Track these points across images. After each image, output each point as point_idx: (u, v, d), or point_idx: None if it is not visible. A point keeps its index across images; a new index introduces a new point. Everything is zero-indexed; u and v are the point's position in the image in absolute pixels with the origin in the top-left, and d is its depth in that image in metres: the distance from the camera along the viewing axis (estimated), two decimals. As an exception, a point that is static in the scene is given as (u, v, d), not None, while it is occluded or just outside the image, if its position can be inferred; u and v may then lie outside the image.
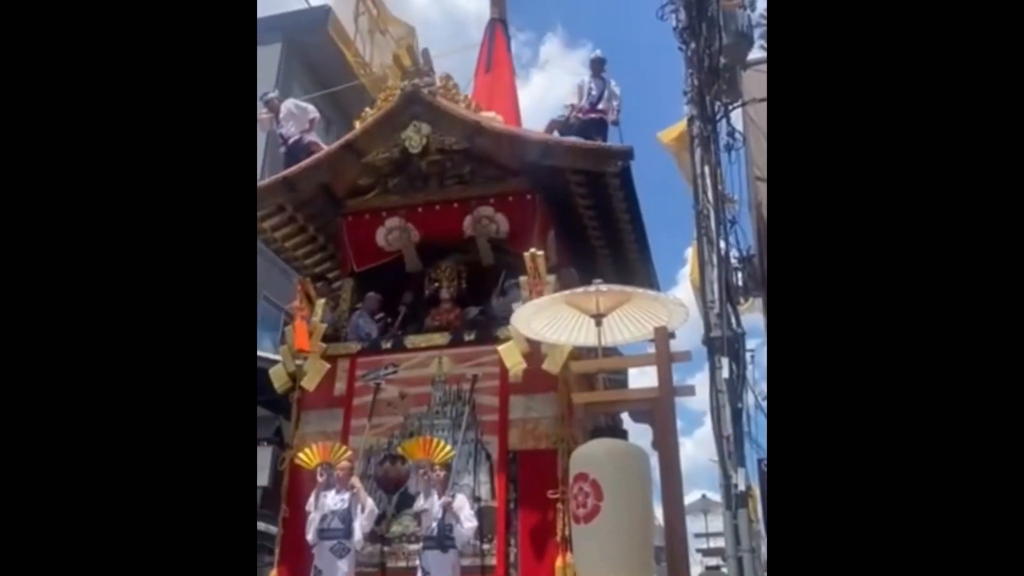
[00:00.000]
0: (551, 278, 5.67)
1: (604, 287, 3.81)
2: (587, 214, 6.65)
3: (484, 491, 5.58)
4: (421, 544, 5.11)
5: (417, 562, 5.07)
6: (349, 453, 5.61)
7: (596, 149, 5.70)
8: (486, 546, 5.38)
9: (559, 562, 5.07)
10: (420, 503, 5.21)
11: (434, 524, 5.03)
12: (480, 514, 5.48)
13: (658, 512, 4.12)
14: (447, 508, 5.02)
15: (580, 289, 3.89)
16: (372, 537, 5.59)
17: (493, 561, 5.31)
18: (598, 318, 3.80)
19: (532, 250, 5.56)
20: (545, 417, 5.65)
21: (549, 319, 4.09)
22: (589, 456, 3.39)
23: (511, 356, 5.50)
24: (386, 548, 5.59)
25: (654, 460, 3.35)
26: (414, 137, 6.31)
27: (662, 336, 3.40)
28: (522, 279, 5.69)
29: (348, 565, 5.08)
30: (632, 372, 6.88)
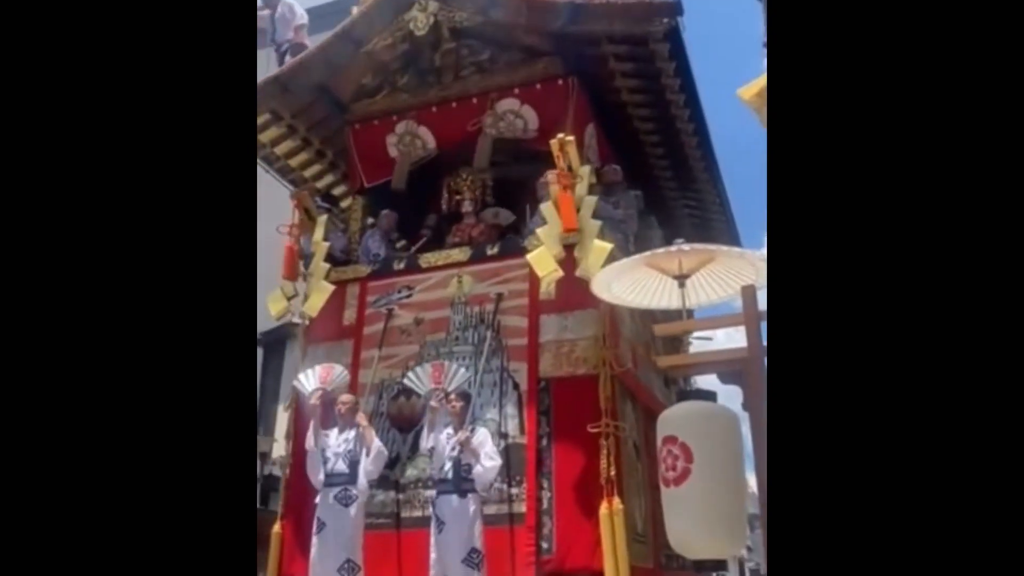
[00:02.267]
0: (585, 170, 4.66)
1: (687, 246, 3.74)
2: (632, 100, 5.57)
3: (511, 426, 4.68)
4: (435, 489, 4.26)
5: (431, 510, 4.23)
6: (346, 373, 4.80)
7: (635, 5, 4.63)
8: (514, 490, 4.50)
9: (604, 508, 4.15)
10: (425, 441, 4.35)
11: (448, 464, 4.16)
12: (507, 453, 4.60)
13: (751, 479, 3.37)
14: (464, 445, 4.15)
15: (661, 250, 3.71)
16: (384, 483, 4.79)
17: (522, 508, 4.44)
18: (681, 279, 3.57)
19: (560, 135, 4.54)
20: (582, 338, 4.70)
21: (630, 283, 3.82)
22: (677, 418, 3.22)
23: (543, 264, 4.49)
24: (400, 496, 4.78)
25: (745, 426, 3.15)
26: (419, 17, 5.33)
27: (750, 295, 3.13)
28: (549, 175, 4.69)
29: (354, 516, 4.27)
30: (718, 333, 6.01)
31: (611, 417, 4.41)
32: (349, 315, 5.57)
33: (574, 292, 4.76)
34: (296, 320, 5.94)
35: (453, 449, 4.17)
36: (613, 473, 4.26)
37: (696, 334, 5.54)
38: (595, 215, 4.50)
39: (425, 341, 5.19)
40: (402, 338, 5.27)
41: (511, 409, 4.72)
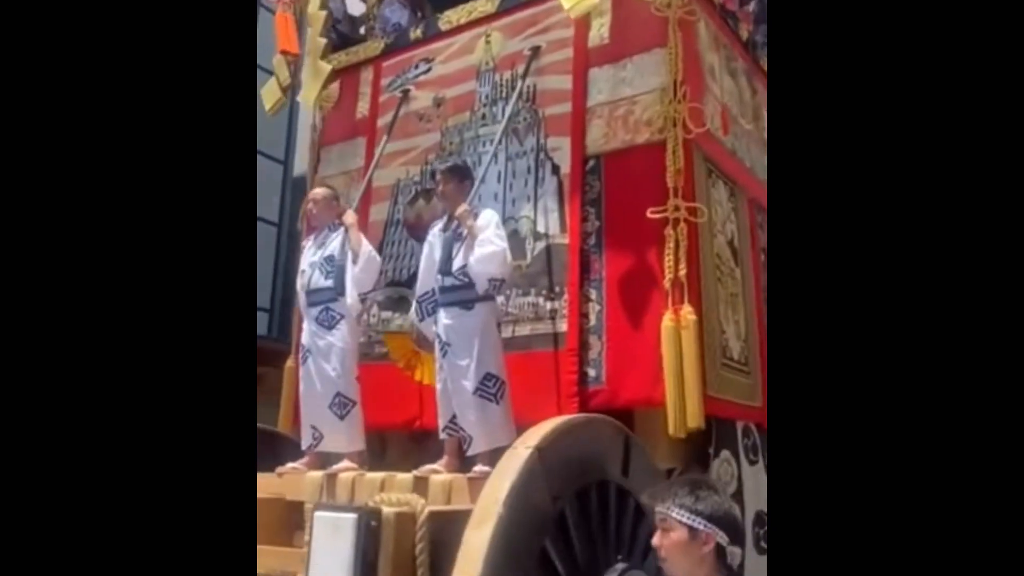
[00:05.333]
0: None
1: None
2: None
3: (551, 223, 3.45)
4: (432, 303, 3.17)
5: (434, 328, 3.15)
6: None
7: None
8: (555, 304, 3.35)
9: (668, 319, 2.93)
10: None
11: (445, 267, 3.03)
12: (547, 257, 3.43)
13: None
14: (461, 220, 3.01)
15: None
16: (401, 304, 3.79)
17: (563, 326, 3.29)
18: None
19: None
20: (644, 92, 3.30)
21: None
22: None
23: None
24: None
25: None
26: None
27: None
28: None
29: (342, 340, 3.29)
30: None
31: (684, 197, 3.08)
32: (362, 107, 4.44)
33: (634, 29, 3.35)
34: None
35: (451, 246, 3.03)
36: (683, 273, 2.98)
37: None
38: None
39: (447, 126, 3.98)
40: (420, 126, 4.09)
41: (550, 201, 3.48)
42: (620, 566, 2.36)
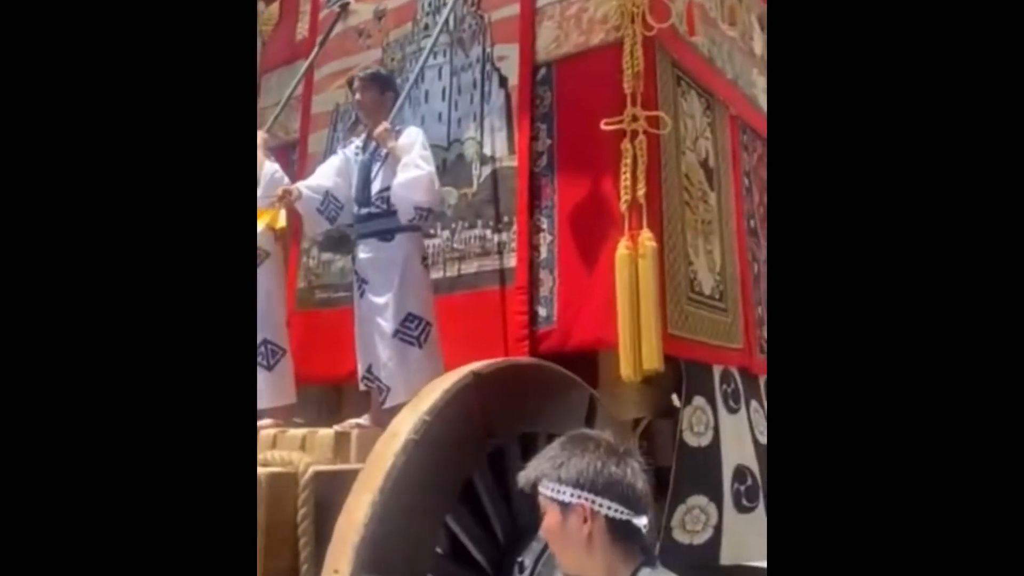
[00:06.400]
0: None
1: None
2: None
3: (498, 144, 3.02)
4: (354, 234, 2.76)
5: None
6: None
7: None
8: (502, 236, 2.94)
9: (623, 247, 2.52)
10: None
11: (362, 194, 2.62)
12: (494, 183, 3.01)
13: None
14: (381, 141, 2.59)
15: None
16: (342, 245, 3.40)
17: (512, 261, 2.89)
18: None
19: None
20: (601, -12, 2.84)
21: None
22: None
23: None
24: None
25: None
26: None
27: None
28: None
29: (267, 282, 2.90)
30: None
31: (644, 106, 2.64)
32: (302, 27, 3.99)
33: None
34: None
35: (368, 170, 2.61)
36: (642, 194, 2.56)
37: None
38: None
39: (388, 42, 3.53)
40: (360, 43, 3.64)
41: (497, 118, 3.05)
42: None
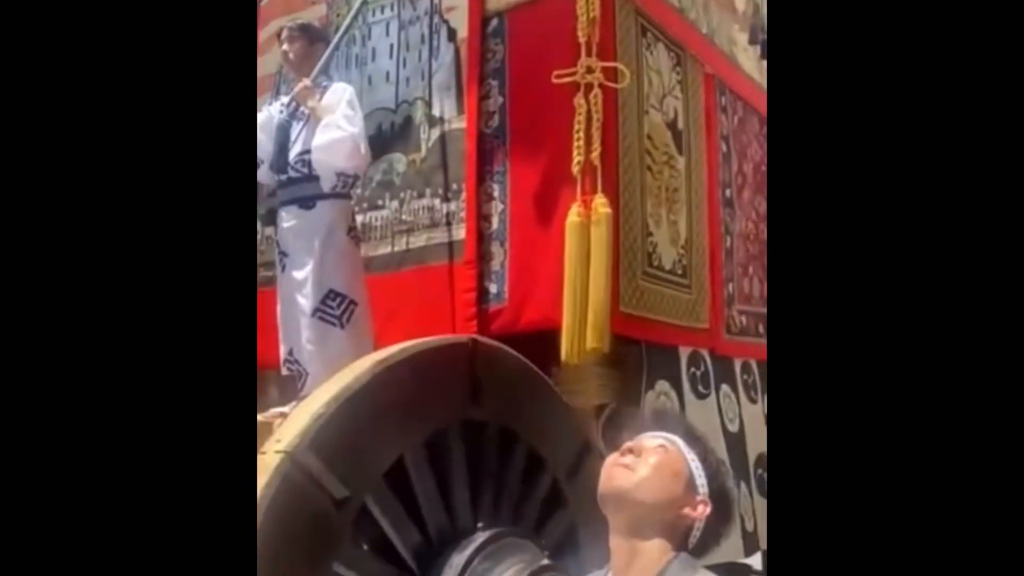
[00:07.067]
0: None
1: None
2: None
3: (447, 104, 2.75)
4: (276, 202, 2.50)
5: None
6: None
7: None
8: (451, 206, 2.69)
9: (574, 213, 2.25)
10: None
11: (281, 158, 2.36)
12: (442, 147, 2.75)
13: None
14: (302, 100, 2.34)
15: None
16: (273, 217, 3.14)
17: (461, 232, 2.63)
18: None
19: None
20: (556, -75, 2.55)
21: None
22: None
23: None
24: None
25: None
26: None
27: None
28: None
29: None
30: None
31: (601, 56, 2.37)
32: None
33: None
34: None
35: (286, 132, 2.35)
36: (596, 155, 2.30)
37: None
38: None
39: (331, -7, 3.26)
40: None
41: (445, 76, 2.78)
42: (481, 536, 1.76)
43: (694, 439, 1.38)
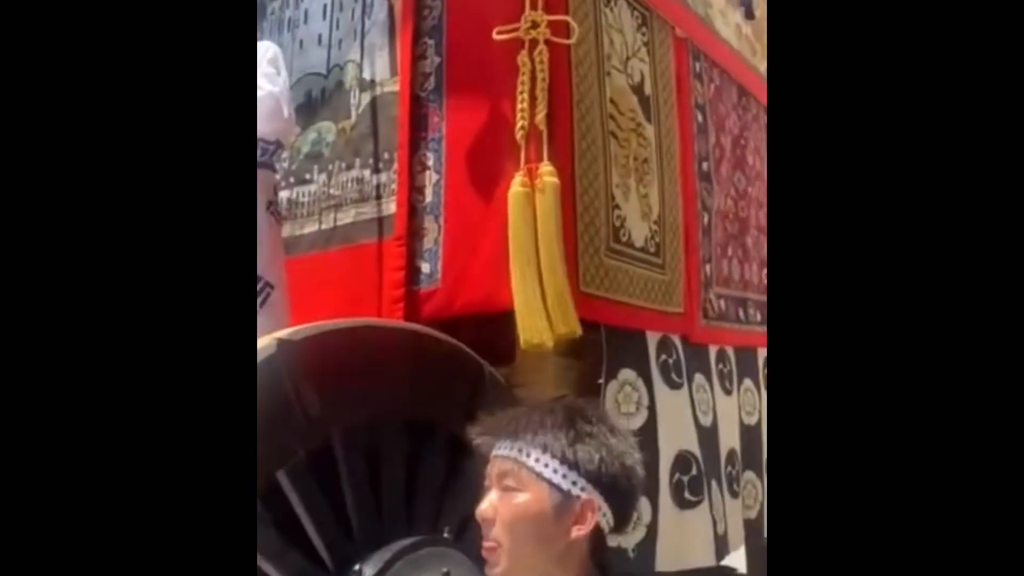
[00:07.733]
0: None
1: None
2: None
3: (379, 66, 2.47)
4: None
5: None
6: None
7: None
8: (381, 177, 2.41)
9: (518, 183, 1.99)
10: None
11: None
12: (372, 112, 2.47)
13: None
14: None
15: None
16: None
17: (392, 206, 2.35)
18: None
19: None
20: None
21: None
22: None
23: None
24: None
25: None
26: None
27: None
28: None
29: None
30: None
31: (548, 9, 2.11)
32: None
33: None
34: None
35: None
36: (541, 118, 2.03)
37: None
38: None
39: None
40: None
41: (378, 35, 2.49)
42: (402, 543, 1.50)
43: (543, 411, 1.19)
